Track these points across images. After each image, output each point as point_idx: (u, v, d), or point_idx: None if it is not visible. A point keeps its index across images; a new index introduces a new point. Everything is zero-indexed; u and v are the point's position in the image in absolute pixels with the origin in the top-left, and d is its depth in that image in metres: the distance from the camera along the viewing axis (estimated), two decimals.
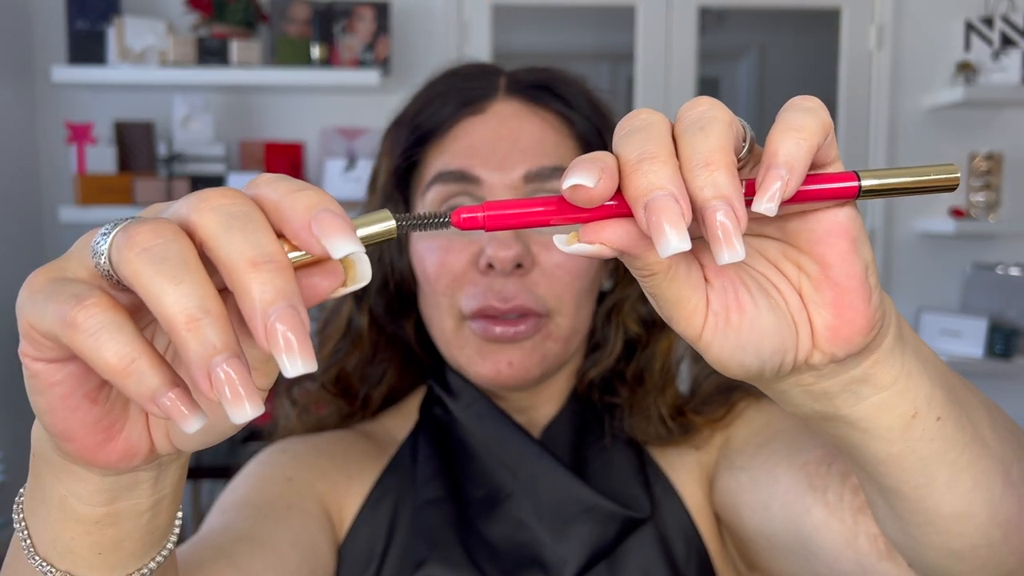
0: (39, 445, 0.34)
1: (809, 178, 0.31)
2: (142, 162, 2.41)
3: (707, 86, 2.85)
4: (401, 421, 0.73)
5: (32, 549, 0.36)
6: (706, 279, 0.34)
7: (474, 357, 0.66)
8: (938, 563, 0.41)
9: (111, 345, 0.26)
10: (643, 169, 0.29)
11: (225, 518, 0.59)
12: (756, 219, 0.33)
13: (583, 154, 0.31)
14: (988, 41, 2.42)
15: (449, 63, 0.73)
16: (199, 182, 2.39)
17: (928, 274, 2.53)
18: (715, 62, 3.87)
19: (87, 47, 2.35)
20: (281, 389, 0.75)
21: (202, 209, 0.28)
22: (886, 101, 2.50)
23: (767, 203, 0.29)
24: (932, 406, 0.37)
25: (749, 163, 0.34)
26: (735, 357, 0.34)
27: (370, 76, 2.31)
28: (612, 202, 0.31)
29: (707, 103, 0.31)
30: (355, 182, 2.36)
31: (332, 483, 0.65)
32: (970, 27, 2.43)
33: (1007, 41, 2.40)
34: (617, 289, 0.71)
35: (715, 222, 0.28)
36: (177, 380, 0.27)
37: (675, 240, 0.28)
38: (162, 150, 2.40)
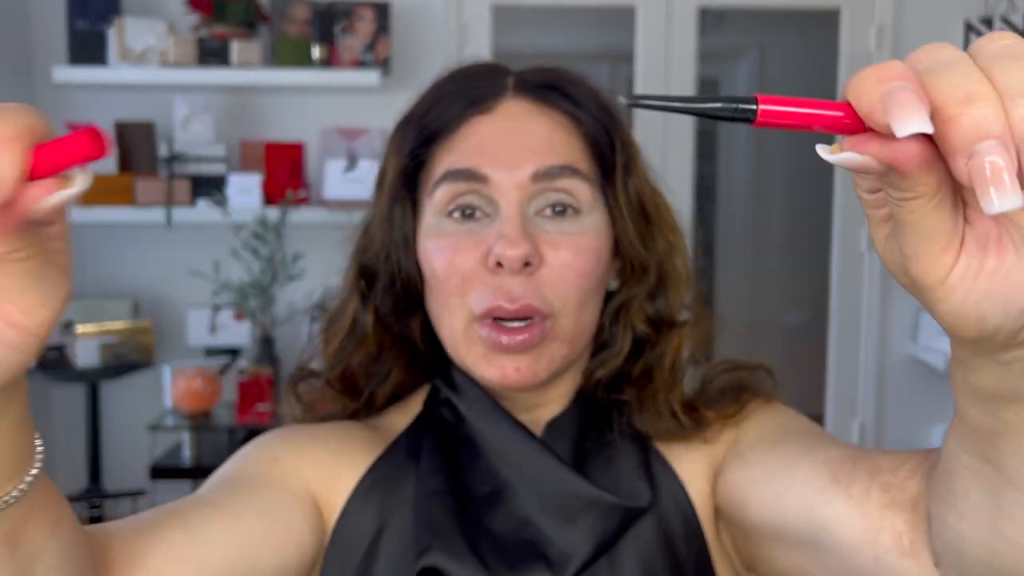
0: None
1: None
2: (143, 162, 2.41)
3: (707, 86, 2.86)
4: (404, 417, 0.73)
5: None
6: (966, 217, 0.31)
7: (480, 361, 0.66)
8: (1017, 567, 0.41)
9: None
10: (971, 113, 0.27)
11: (200, 490, 0.60)
12: None
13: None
14: None
15: (456, 63, 0.73)
16: (200, 182, 2.40)
17: None
18: (715, 62, 3.88)
19: (88, 48, 2.35)
20: (287, 386, 0.75)
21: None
22: None
23: None
24: None
25: None
26: (979, 308, 0.31)
27: (370, 76, 2.32)
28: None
29: (1010, 36, 0.29)
30: (355, 182, 2.36)
31: (322, 468, 0.66)
32: (969, 27, 2.44)
33: None
34: (624, 289, 0.71)
35: None
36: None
37: (1007, 199, 0.26)
38: (163, 150, 2.40)
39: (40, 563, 0.41)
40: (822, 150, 0.30)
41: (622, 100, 0.31)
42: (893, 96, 0.28)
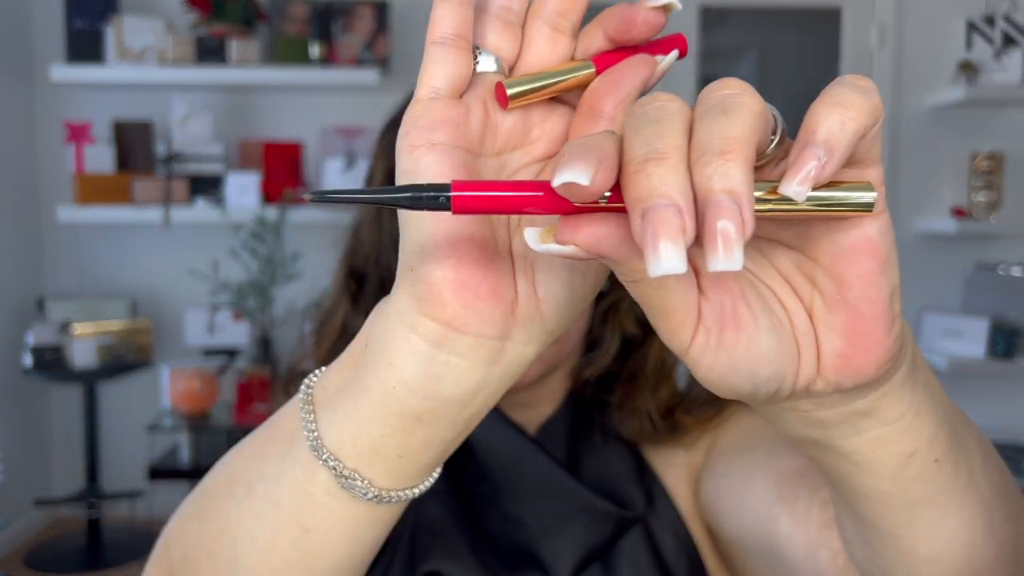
0: (382, 329, 0.35)
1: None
2: (141, 162, 2.41)
3: (708, 85, 2.86)
4: None
5: (319, 441, 0.36)
6: (700, 288, 0.30)
7: None
8: None
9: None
10: (647, 171, 0.25)
11: None
12: (773, 220, 0.30)
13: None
14: (990, 40, 2.41)
15: None
16: (198, 182, 2.39)
17: (929, 274, 2.52)
18: (716, 61, 3.87)
19: (86, 46, 2.34)
20: (281, 387, 0.75)
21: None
22: (888, 101, 2.49)
23: (797, 185, 0.26)
24: (933, 447, 0.34)
25: (777, 159, 0.29)
26: (726, 378, 0.30)
27: (369, 75, 2.31)
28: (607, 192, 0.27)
29: (736, 85, 0.27)
30: (354, 182, 2.36)
31: None
32: (972, 26, 2.43)
33: (1009, 40, 2.40)
34: (614, 290, 0.71)
35: (715, 221, 0.24)
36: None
37: (669, 261, 0.24)
38: (161, 149, 2.39)
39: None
40: (530, 237, 0.28)
41: (307, 197, 0.29)
42: (567, 164, 0.26)
